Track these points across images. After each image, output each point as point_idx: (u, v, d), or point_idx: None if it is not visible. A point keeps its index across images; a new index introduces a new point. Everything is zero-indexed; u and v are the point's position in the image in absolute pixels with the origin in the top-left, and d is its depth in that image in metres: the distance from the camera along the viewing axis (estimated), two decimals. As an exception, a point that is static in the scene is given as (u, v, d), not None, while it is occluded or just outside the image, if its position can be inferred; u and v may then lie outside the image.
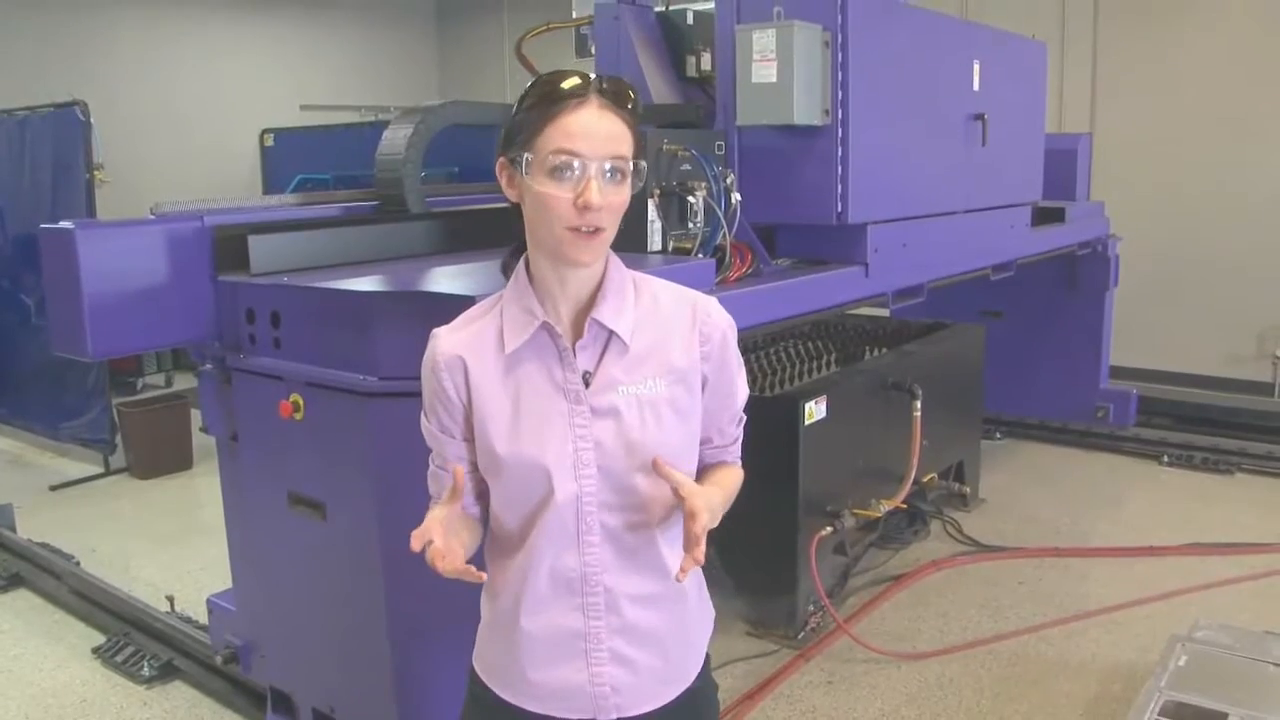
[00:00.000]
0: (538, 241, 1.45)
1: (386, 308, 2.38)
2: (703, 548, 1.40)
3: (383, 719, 2.50)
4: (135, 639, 3.78)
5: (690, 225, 3.07)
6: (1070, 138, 5.89)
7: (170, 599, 3.92)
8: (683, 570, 1.40)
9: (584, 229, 1.38)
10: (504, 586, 1.53)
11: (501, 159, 1.45)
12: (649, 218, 2.96)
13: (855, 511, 3.97)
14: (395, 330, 2.29)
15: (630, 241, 2.88)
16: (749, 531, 3.49)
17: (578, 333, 1.47)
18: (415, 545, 1.37)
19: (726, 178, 3.17)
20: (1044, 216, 5.12)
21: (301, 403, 2.49)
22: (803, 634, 3.74)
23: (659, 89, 3.67)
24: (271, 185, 9.49)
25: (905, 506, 4.46)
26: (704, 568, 1.54)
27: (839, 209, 3.36)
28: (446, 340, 1.51)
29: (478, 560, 1.60)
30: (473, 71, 11.37)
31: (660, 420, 1.48)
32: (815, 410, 3.66)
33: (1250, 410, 6.28)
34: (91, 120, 5.85)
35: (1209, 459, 5.60)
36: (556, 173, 1.37)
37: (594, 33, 3.81)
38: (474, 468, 1.53)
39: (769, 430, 3.63)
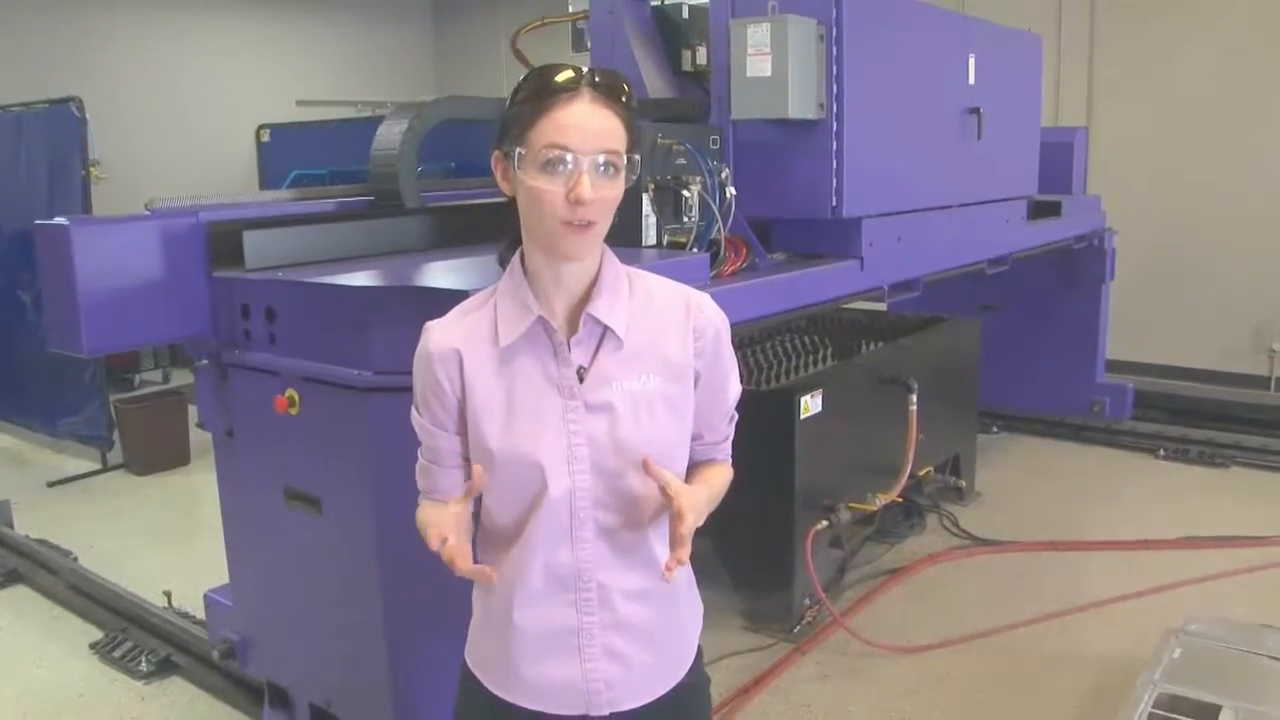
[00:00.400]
0: (532, 235, 1.45)
1: (381, 303, 2.38)
2: (688, 548, 1.41)
3: (379, 713, 2.51)
4: (133, 634, 3.79)
5: (685, 220, 3.07)
6: (1067, 131, 5.89)
7: (168, 594, 3.92)
8: (668, 569, 1.40)
9: (576, 223, 1.38)
10: (497, 582, 1.52)
11: (496, 153, 1.45)
12: (644, 212, 2.96)
13: (851, 505, 3.97)
14: (390, 325, 2.28)
15: (625, 236, 2.87)
16: (745, 526, 3.50)
17: (572, 328, 1.47)
18: (434, 544, 1.39)
19: (721, 172, 3.17)
20: (1040, 210, 5.13)
21: (297, 398, 2.49)
22: (799, 628, 3.74)
23: (654, 83, 3.67)
24: (268, 181, 9.49)
25: (901, 500, 4.46)
26: (699, 562, 1.54)
27: (834, 203, 3.36)
28: (440, 333, 1.51)
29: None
30: (469, 67, 11.35)
31: (653, 416, 1.48)
32: (811, 404, 3.67)
33: (1246, 404, 6.30)
34: (87, 116, 5.85)
35: (1205, 452, 5.61)
36: (549, 167, 1.37)
37: (589, 27, 3.80)
38: (465, 461, 1.53)
39: (765, 424, 3.63)
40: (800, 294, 3.35)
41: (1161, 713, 2.68)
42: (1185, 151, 7.05)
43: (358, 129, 8.20)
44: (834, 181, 3.34)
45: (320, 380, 2.43)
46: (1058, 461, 5.73)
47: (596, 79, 1.40)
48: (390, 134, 3.11)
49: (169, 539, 4.90)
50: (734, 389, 1.62)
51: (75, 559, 4.50)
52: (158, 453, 5.97)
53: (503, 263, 1.54)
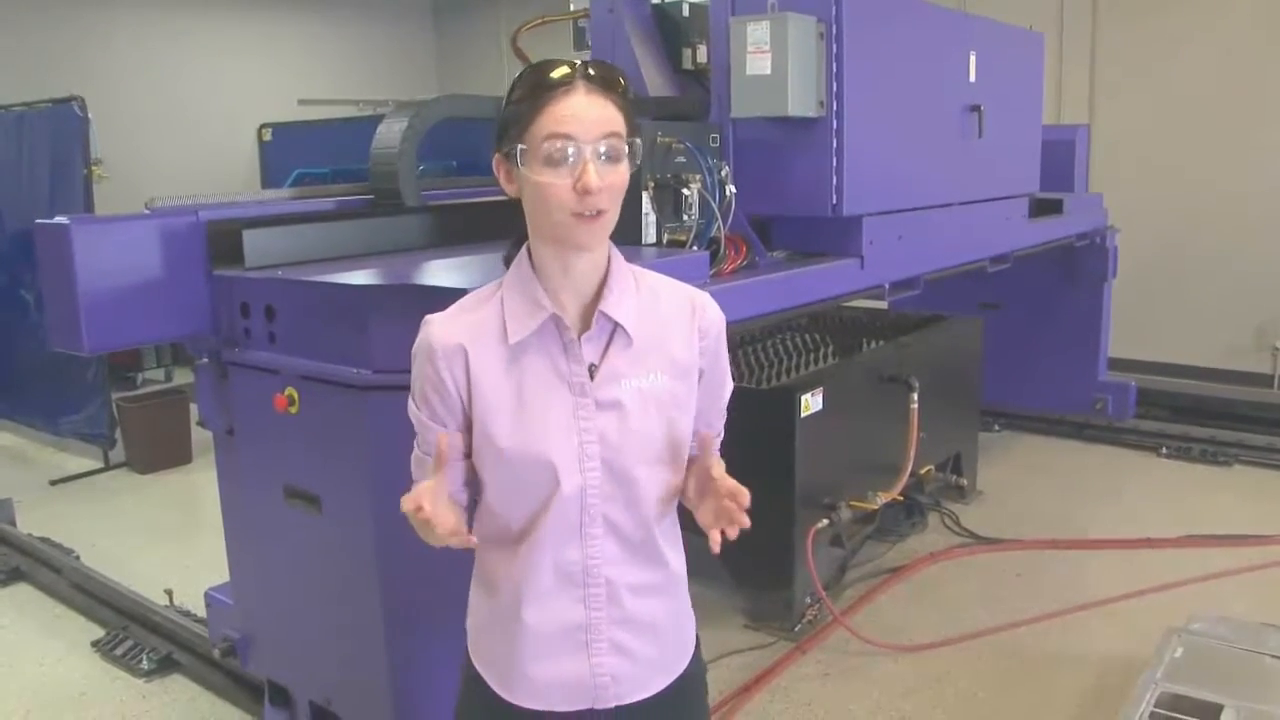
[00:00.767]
0: (539, 231, 1.44)
1: (381, 301, 2.38)
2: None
3: (379, 712, 2.51)
4: (134, 632, 3.80)
5: (685, 218, 3.07)
6: (1068, 129, 5.88)
7: (169, 593, 3.93)
8: (718, 541, 1.45)
9: (585, 213, 1.38)
10: (502, 580, 1.53)
11: (497, 155, 1.45)
12: (644, 210, 2.96)
13: (852, 504, 3.97)
14: (389, 324, 2.28)
15: (625, 234, 2.85)
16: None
17: (581, 325, 1.47)
18: (406, 506, 1.35)
19: (721, 170, 3.17)
20: (1042, 208, 5.12)
21: (296, 396, 2.49)
22: (799, 626, 3.74)
23: (655, 82, 3.66)
24: (270, 180, 9.49)
25: (903, 499, 4.46)
26: (698, 560, 1.55)
27: (834, 201, 3.35)
28: (444, 328, 1.48)
29: (467, 556, 1.61)
30: (470, 65, 11.36)
31: (661, 413, 1.49)
32: (812, 402, 3.67)
33: (1249, 402, 6.29)
34: (89, 116, 5.85)
35: (1207, 451, 5.60)
36: (552, 160, 1.37)
37: (589, 25, 3.80)
38: (464, 456, 1.53)
39: (765, 423, 3.64)
40: (800, 292, 3.34)
41: (1163, 712, 2.67)
42: (1187, 149, 7.04)
43: (360, 128, 8.19)
44: (834, 179, 3.34)
45: (320, 379, 2.43)
46: (1059, 460, 5.72)
47: (590, 70, 1.40)
48: (390, 132, 3.11)
49: (171, 537, 4.90)
50: (729, 386, 1.64)
51: (77, 557, 4.51)
52: (160, 451, 5.98)
53: (508, 263, 1.53)
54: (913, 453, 4.16)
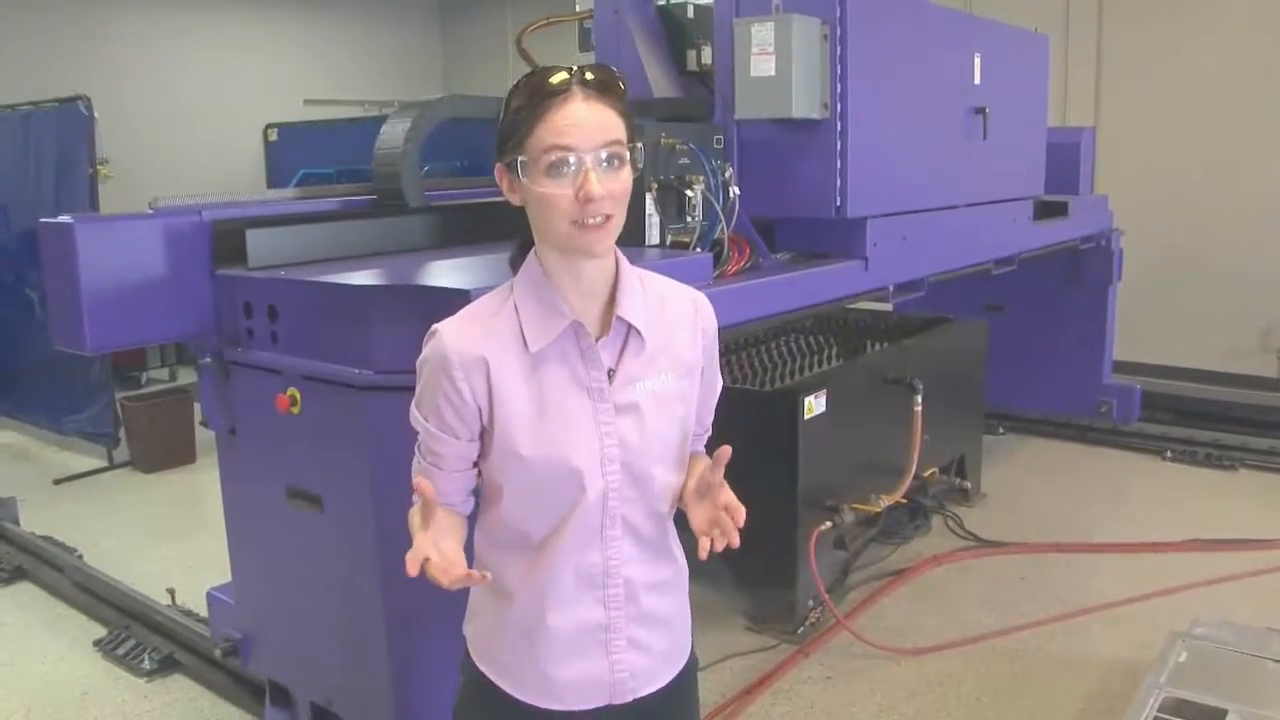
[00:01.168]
0: (546, 240, 1.44)
1: (383, 302, 2.38)
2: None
3: (380, 712, 2.51)
4: (136, 632, 3.80)
5: (688, 219, 3.06)
6: (1074, 131, 5.86)
7: (171, 592, 3.92)
8: (706, 548, 1.47)
9: (589, 221, 1.37)
10: (517, 585, 1.52)
11: (499, 165, 1.44)
12: (647, 212, 2.96)
13: (855, 506, 3.96)
14: (391, 324, 2.28)
15: (628, 236, 2.85)
16: (748, 526, 3.47)
17: (595, 329, 1.47)
18: (412, 570, 1.35)
19: (725, 171, 3.17)
20: (1047, 210, 5.10)
21: (298, 396, 2.49)
22: (802, 629, 3.73)
23: (659, 83, 3.66)
24: (275, 180, 9.51)
25: (906, 501, 4.45)
26: (700, 561, 1.56)
27: (838, 203, 3.35)
28: (457, 338, 1.46)
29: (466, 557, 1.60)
30: (476, 65, 11.37)
31: (672, 413, 1.52)
32: (815, 404, 3.66)
33: (1254, 405, 6.27)
34: (95, 115, 5.87)
35: (1212, 454, 5.59)
36: (553, 170, 1.37)
37: (594, 27, 3.80)
38: (472, 466, 1.53)
39: (768, 424, 3.63)
40: (804, 294, 3.34)
41: (1167, 716, 2.66)
42: (1193, 151, 7.02)
43: (366, 128, 8.19)
44: (838, 181, 3.33)
45: (322, 379, 2.43)
46: (1064, 463, 5.71)
47: (588, 76, 1.39)
48: (393, 133, 3.11)
49: (174, 536, 4.91)
50: (720, 384, 1.69)
51: (80, 556, 4.51)
52: (163, 450, 5.99)
53: (515, 266, 1.53)
54: (916, 455, 4.15)
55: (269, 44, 10.30)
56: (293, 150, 9.49)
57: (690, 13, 3.79)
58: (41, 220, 2.60)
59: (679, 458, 1.56)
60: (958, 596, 4.06)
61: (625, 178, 1.41)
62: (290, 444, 2.60)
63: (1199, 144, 6.99)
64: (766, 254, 3.38)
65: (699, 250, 3.03)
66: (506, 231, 1.55)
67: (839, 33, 3.26)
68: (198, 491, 5.56)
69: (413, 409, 1.53)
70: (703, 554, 1.47)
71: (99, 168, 5.94)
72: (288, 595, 2.79)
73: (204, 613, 3.41)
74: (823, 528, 3.74)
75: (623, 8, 3.67)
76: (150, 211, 2.73)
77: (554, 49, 3.05)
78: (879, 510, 4.12)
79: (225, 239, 2.72)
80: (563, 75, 1.38)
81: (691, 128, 3.21)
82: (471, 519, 1.59)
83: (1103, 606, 3.90)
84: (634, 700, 1.56)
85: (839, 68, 3.28)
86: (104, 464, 6.06)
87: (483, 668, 1.60)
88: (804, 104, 3.20)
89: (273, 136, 9.96)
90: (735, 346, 4.41)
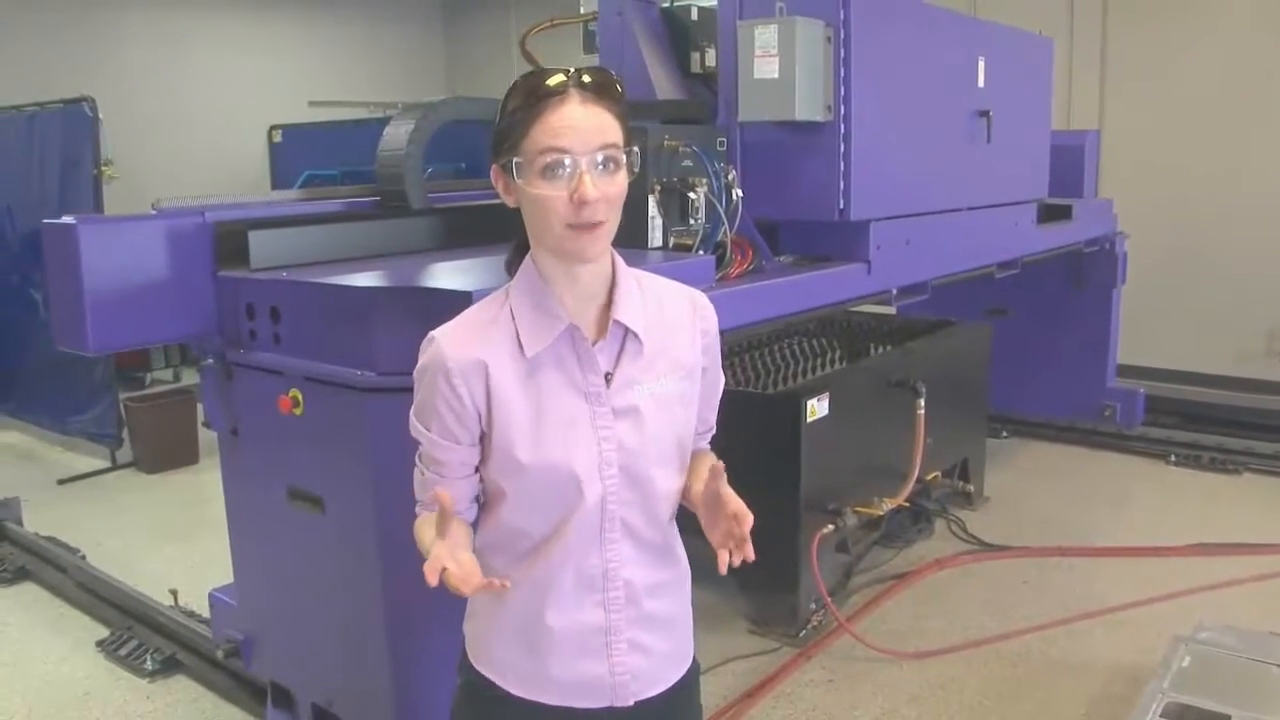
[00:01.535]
0: (541, 242, 1.44)
1: (385, 303, 2.38)
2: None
3: (381, 714, 2.51)
4: (139, 633, 3.80)
5: (691, 221, 3.06)
6: (1078, 134, 5.86)
7: (174, 593, 3.93)
8: (725, 562, 1.45)
9: (582, 224, 1.37)
10: (519, 586, 1.51)
11: (495, 167, 1.44)
12: (650, 214, 2.96)
13: (858, 509, 3.95)
14: (394, 326, 2.28)
15: (631, 238, 2.87)
16: (750, 529, 3.49)
17: (591, 332, 1.47)
18: (432, 580, 1.32)
19: (728, 174, 3.16)
20: (1051, 214, 5.09)
21: (300, 398, 2.49)
22: (804, 632, 3.73)
23: (663, 85, 3.66)
24: (280, 181, 9.52)
25: (909, 505, 4.45)
26: (701, 563, 1.56)
27: (841, 205, 3.34)
28: (454, 344, 1.46)
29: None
30: (480, 67, 11.38)
31: (672, 415, 1.51)
32: (817, 408, 3.65)
33: (1258, 409, 6.25)
34: (100, 116, 5.88)
35: (1216, 459, 5.57)
36: (548, 172, 1.36)
37: (598, 28, 3.80)
38: (474, 472, 1.53)
39: (771, 428, 3.63)
40: (807, 296, 3.33)
41: (1169, 721, 2.66)
42: (1198, 154, 7.00)
43: (370, 129, 8.20)
44: (841, 184, 3.33)
45: (324, 380, 2.43)
46: (1067, 466, 5.69)
47: (584, 78, 1.39)
48: (397, 134, 3.11)
49: (177, 537, 4.91)
50: (722, 381, 1.68)
51: (83, 556, 4.51)
52: (167, 451, 5.99)
53: (510, 269, 1.53)
54: (919, 458, 4.14)
55: (273, 46, 10.32)
56: (297, 152, 9.52)
57: (694, 15, 3.79)
58: (45, 221, 2.61)
59: (679, 460, 1.55)
60: (960, 600, 4.05)
61: (621, 181, 1.40)
62: (292, 445, 2.60)
63: (1204, 147, 6.97)
64: (769, 256, 3.38)
65: (701, 252, 3.02)
66: (509, 233, 1.55)
67: (842, 35, 3.26)
68: (201, 492, 5.56)
69: (412, 419, 1.52)
70: (721, 568, 1.45)
71: (103, 169, 5.96)
72: (289, 596, 2.79)
73: (206, 613, 3.41)
74: (825, 531, 3.74)
75: (626, 9, 3.67)
76: (153, 212, 2.74)
77: (558, 50, 3.05)
78: (881, 513, 4.11)
79: (228, 240, 2.72)
80: (559, 77, 1.38)
81: (695, 130, 3.21)
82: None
83: (1106, 611, 3.89)
84: (636, 704, 1.55)
85: (842, 70, 3.27)
86: (107, 464, 6.07)
87: (480, 668, 1.60)
88: (807, 106, 3.19)
89: (277, 138, 9.98)
90: (738, 349, 4.41)
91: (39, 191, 6.21)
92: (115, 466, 6.06)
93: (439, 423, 1.47)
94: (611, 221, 1.41)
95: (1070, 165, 5.49)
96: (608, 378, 1.47)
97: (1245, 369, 6.94)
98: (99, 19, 8.98)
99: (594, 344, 1.46)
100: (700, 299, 1.61)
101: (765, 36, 3.15)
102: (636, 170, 1.43)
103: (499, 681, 1.58)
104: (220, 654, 3.11)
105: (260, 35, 10.21)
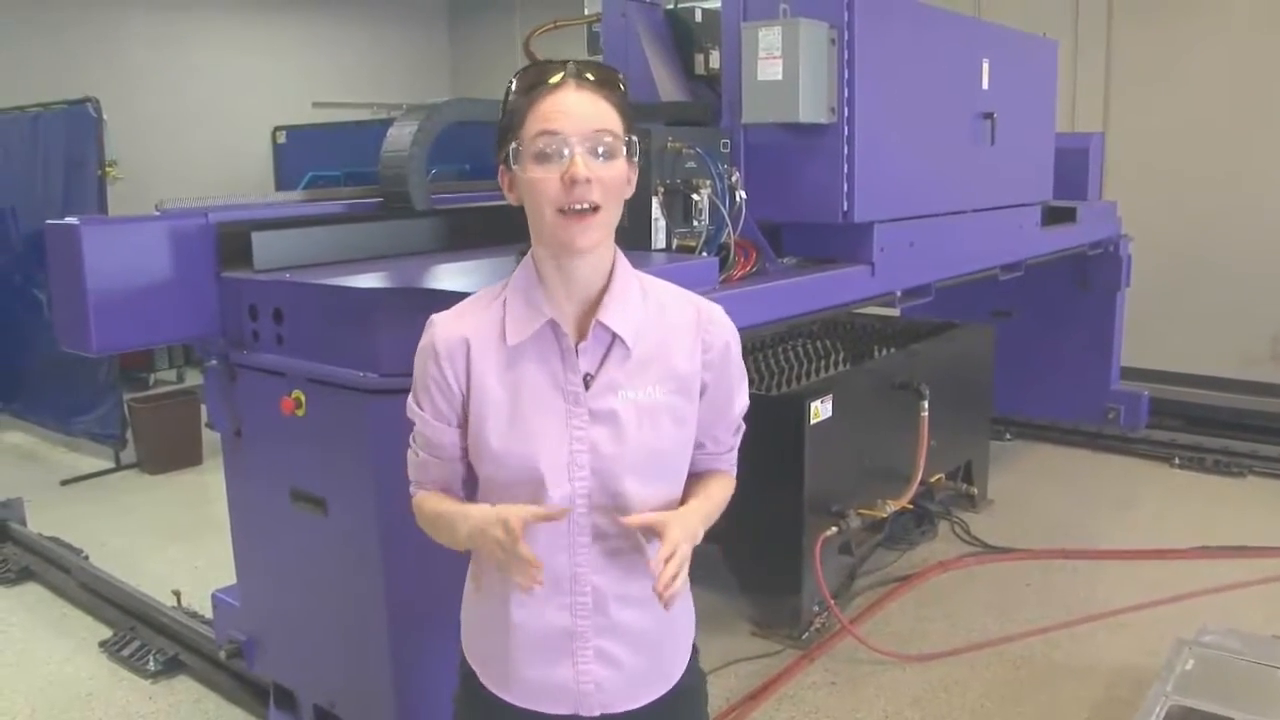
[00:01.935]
0: (537, 236, 1.44)
1: (388, 304, 2.38)
2: (681, 577, 1.39)
3: (382, 715, 2.51)
4: (141, 633, 3.80)
5: (695, 223, 3.06)
6: (1082, 137, 5.85)
7: (177, 594, 3.93)
8: (663, 599, 1.38)
9: (574, 207, 1.36)
10: (494, 579, 1.53)
11: (500, 164, 1.45)
12: (653, 215, 2.95)
13: (861, 512, 3.95)
14: (396, 327, 2.27)
15: (634, 239, 2.87)
16: (754, 531, 3.49)
17: (581, 332, 1.46)
18: (498, 532, 1.38)
19: (731, 175, 3.16)
20: (1055, 216, 5.08)
21: (303, 399, 2.49)
22: (807, 634, 3.72)
23: (666, 86, 3.66)
24: (283, 182, 9.54)
25: (912, 507, 4.44)
26: (705, 566, 1.54)
27: (845, 207, 3.34)
28: (447, 326, 1.50)
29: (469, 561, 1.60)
30: (485, 68, 11.38)
31: (657, 427, 1.47)
32: (821, 409, 3.65)
33: (1262, 412, 6.24)
34: (104, 117, 5.89)
35: (1220, 461, 5.56)
36: (542, 156, 1.37)
37: (602, 30, 3.80)
38: (464, 453, 1.53)
39: (774, 430, 3.62)
40: (810, 298, 3.33)
41: (1172, 725, 2.65)
42: (1202, 157, 6.99)
43: (374, 131, 8.21)
44: (845, 186, 3.32)
45: (327, 381, 2.43)
46: (1071, 469, 5.69)
47: (581, 69, 1.40)
48: (400, 136, 3.11)
49: (181, 538, 4.91)
50: (740, 402, 1.61)
51: (86, 557, 4.52)
52: (170, 452, 6.00)
53: (519, 263, 1.54)
54: (923, 461, 4.14)
55: (277, 47, 10.34)
56: (301, 152, 9.53)
57: (698, 16, 3.79)
58: (48, 222, 2.61)
59: (664, 473, 1.51)
60: (963, 602, 4.04)
61: (617, 169, 1.40)
62: (295, 446, 2.60)
63: (1209, 150, 6.96)
64: (773, 258, 3.37)
65: (705, 254, 3.02)
66: (513, 235, 1.55)
67: (846, 37, 3.25)
68: (204, 493, 5.57)
69: (409, 401, 1.55)
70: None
71: (107, 169, 5.96)
72: (292, 597, 2.79)
73: (209, 614, 3.41)
74: (828, 533, 3.73)
75: (630, 11, 3.67)
76: (156, 213, 2.74)
77: (562, 52, 3.03)
78: (885, 516, 4.11)
79: (231, 241, 2.72)
80: (557, 68, 1.40)
81: (698, 131, 3.21)
82: None
83: (1109, 613, 3.89)
84: (602, 716, 1.53)
85: (846, 72, 3.27)
86: (111, 465, 6.08)
87: (469, 657, 1.62)
88: (811, 108, 3.19)
89: (281, 139, 9.99)
90: (742, 351, 4.39)
91: (43, 192, 6.22)
92: (119, 467, 6.07)
93: (431, 403, 1.51)
94: (607, 211, 1.40)
95: (1074, 167, 5.47)
96: (587, 379, 1.45)
97: (1250, 372, 6.92)
98: (103, 20, 9.00)
99: (578, 343, 1.45)
100: (708, 309, 1.55)
101: (769, 38, 3.15)
102: (637, 160, 1.43)
103: (479, 673, 1.59)
104: (223, 655, 3.11)
105: (264, 36, 10.22)
